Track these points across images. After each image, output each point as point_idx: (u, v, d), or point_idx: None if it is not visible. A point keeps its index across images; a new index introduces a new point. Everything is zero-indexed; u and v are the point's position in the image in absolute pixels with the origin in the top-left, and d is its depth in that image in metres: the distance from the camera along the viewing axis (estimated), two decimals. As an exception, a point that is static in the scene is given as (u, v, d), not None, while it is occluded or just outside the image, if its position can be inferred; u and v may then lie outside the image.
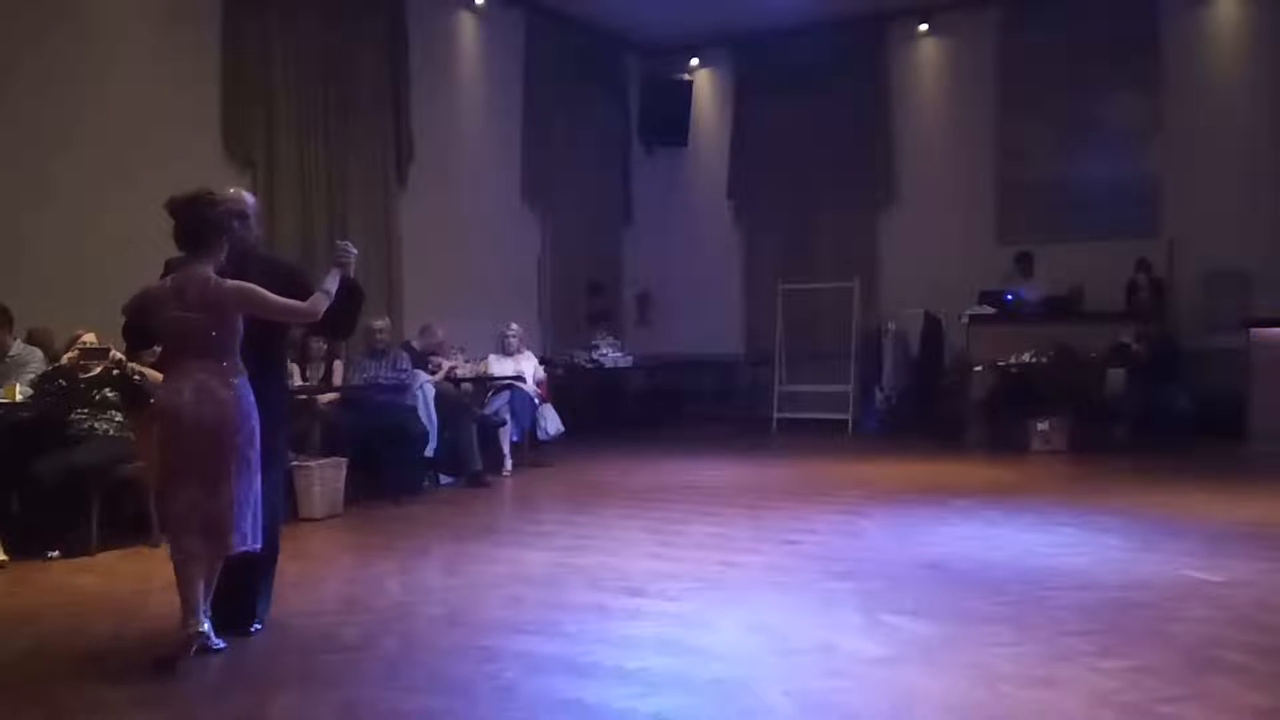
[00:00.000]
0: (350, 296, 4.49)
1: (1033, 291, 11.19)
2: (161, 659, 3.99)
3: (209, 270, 4.14)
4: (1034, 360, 10.59)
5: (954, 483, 8.42)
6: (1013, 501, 7.45)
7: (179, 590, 4.12)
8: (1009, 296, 11.20)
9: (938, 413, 11.64)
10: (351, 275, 4.48)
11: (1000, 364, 10.72)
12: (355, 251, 4.53)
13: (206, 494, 4.07)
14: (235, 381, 4.13)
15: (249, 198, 4.61)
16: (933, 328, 12.17)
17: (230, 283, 4.14)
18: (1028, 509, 7.14)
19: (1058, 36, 12.11)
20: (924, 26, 12.93)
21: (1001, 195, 12.54)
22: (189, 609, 4.08)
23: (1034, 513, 7.00)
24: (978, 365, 10.91)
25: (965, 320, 11.23)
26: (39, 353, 6.65)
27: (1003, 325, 10.98)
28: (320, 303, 4.29)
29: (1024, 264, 11.38)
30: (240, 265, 4.31)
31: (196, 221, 4.16)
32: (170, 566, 4.20)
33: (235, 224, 4.35)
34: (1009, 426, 10.45)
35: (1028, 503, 7.39)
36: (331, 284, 4.34)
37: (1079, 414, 10.24)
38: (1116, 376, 10.41)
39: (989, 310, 11.17)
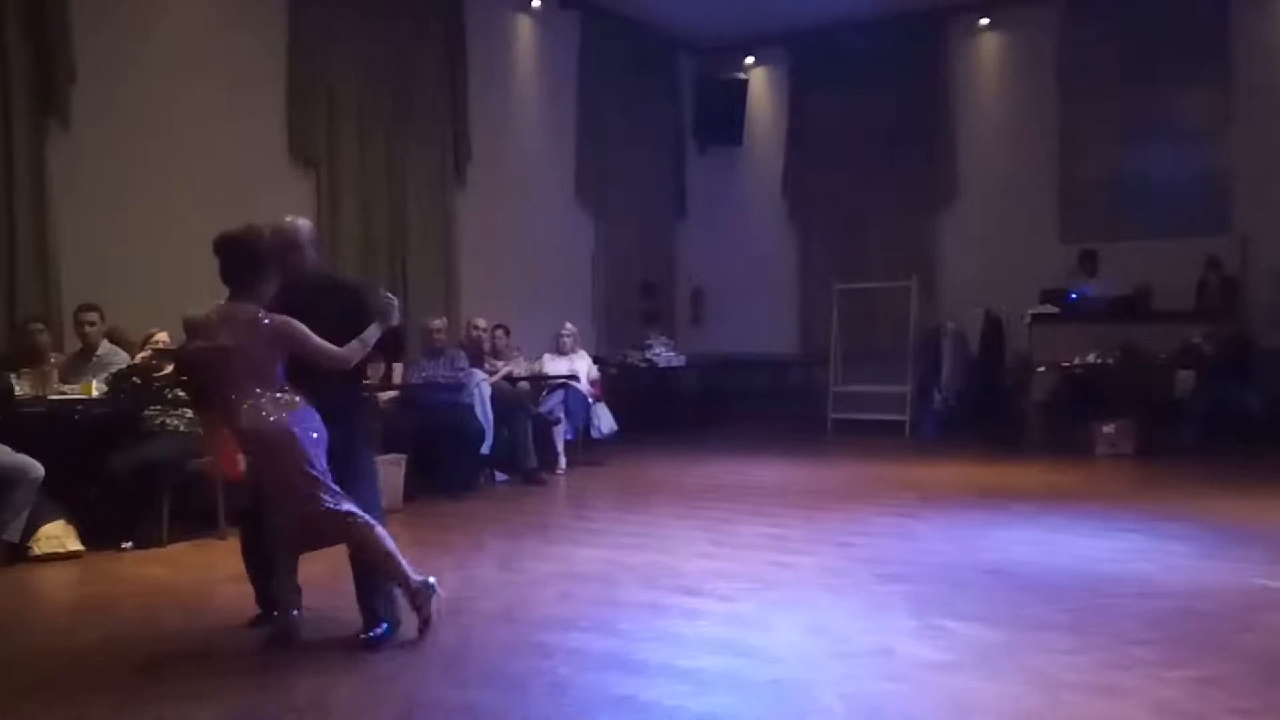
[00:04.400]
0: (393, 340, 4.63)
1: (1097, 290, 11.00)
2: (275, 635, 4.26)
3: (252, 307, 4.18)
4: (1099, 361, 10.42)
5: (1014, 486, 8.31)
6: (1075, 506, 7.33)
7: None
8: (1073, 295, 11.01)
9: (998, 415, 11.47)
10: (394, 323, 4.51)
11: (1064, 365, 10.57)
12: (396, 301, 4.51)
13: (284, 511, 4.21)
14: (285, 401, 4.14)
15: (304, 225, 4.60)
16: (993, 328, 12.00)
17: (270, 322, 4.15)
18: (1091, 514, 7.02)
19: (1122, 30, 11.88)
20: (984, 21, 12.76)
21: (1064, 192, 12.33)
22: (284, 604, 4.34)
23: (1097, 518, 6.88)
24: (1040, 366, 10.75)
25: (1027, 320, 11.05)
26: (124, 354, 6.84)
27: (1066, 325, 10.79)
28: (355, 352, 4.30)
29: (1088, 262, 11.19)
30: (301, 292, 4.34)
31: (235, 259, 4.21)
32: (239, 559, 4.36)
33: (290, 256, 4.40)
34: (1072, 429, 10.28)
35: (1091, 508, 7.27)
36: (371, 335, 4.35)
37: (1146, 416, 10.05)
38: (1185, 378, 10.21)
39: (1052, 310, 10.98)
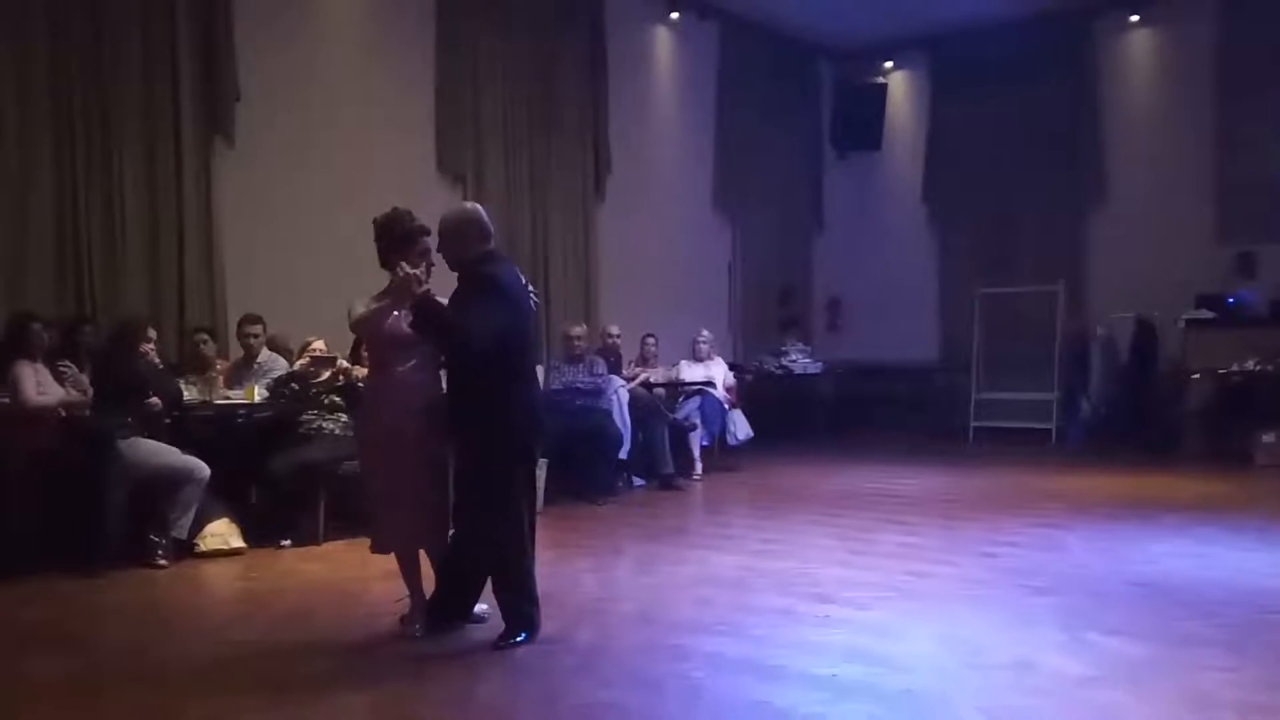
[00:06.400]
0: (427, 321, 4.29)
1: (1256, 294, 10.50)
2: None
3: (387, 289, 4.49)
4: (1258, 368, 9.95)
5: (1167, 497, 8.00)
6: (1232, 518, 7.02)
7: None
8: (1230, 300, 10.55)
9: (1150, 424, 11.03)
10: (413, 303, 4.26)
11: (1220, 372, 10.14)
12: (414, 273, 4.28)
13: None
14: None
15: (453, 211, 4.67)
16: (1145, 333, 11.53)
17: None
18: (1249, 527, 6.72)
19: (1284, 22, 11.28)
20: (1134, 17, 12.30)
21: (1221, 192, 11.74)
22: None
23: (1256, 531, 6.59)
24: (1195, 373, 10.33)
25: (1181, 325, 10.66)
26: (283, 360, 7.22)
27: (1223, 330, 10.39)
28: (359, 324, 4.55)
29: (1246, 265, 10.71)
30: (462, 277, 4.51)
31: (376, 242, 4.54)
32: (392, 556, 4.63)
33: (446, 244, 4.53)
34: (1229, 439, 9.86)
35: (1249, 520, 6.96)
36: (382, 310, 4.44)
37: (1309, 426, 9.56)
38: (1353, 386, 9.66)
39: (1208, 315, 10.57)
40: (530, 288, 4.75)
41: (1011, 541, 6.35)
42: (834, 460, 10.68)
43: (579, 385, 8.53)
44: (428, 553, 4.60)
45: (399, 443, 4.42)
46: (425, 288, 4.30)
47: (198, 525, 6.16)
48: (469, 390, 4.40)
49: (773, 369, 12.53)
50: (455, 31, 9.64)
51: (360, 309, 4.46)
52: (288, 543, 6.42)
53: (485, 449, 4.38)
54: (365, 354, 5.95)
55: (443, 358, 4.58)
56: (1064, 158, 12.64)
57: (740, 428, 9.94)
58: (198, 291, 7.90)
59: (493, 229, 4.61)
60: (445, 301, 4.43)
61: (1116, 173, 12.45)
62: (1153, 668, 3.97)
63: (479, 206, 4.76)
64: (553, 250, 10.53)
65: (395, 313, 4.41)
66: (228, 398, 6.90)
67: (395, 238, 4.47)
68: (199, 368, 7.15)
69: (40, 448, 5.85)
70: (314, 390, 6.75)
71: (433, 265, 4.55)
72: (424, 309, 4.26)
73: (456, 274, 4.52)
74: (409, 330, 4.34)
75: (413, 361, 4.47)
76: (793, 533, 6.80)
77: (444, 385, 4.64)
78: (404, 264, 4.31)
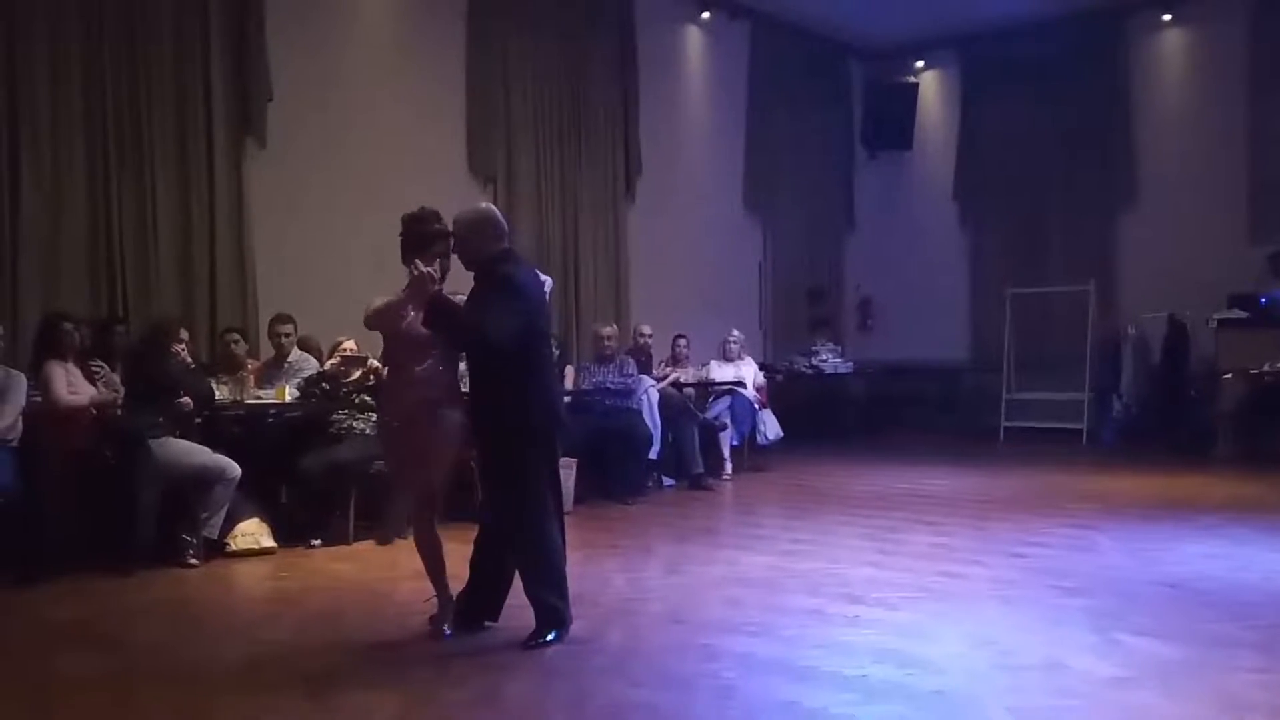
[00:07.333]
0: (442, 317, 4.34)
1: (1290, 294, 10.40)
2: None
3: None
4: (1291, 368, 9.84)
5: (1199, 498, 7.93)
6: (1264, 519, 6.95)
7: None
8: (1263, 300, 10.44)
9: (1182, 424, 10.94)
10: (427, 300, 4.31)
11: (1253, 372, 10.03)
12: (427, 271, 4.32)
13: None
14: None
15: (467, 211, 4.63)
16: (1177, 333, 11.44)
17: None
18: (1282, 528, 6.65)
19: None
20: (1167, 16, 12.18)
21: (1254, 191, 11.62)
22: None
23: (1290, 532, 6.51)
24: (1227, 373, 10.23)
25: (1213, 325, 10.57)
26: (314, 361, 7.28)
27: (1256, 330, 10.27)
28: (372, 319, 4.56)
29: (1278, 265, 10.57)
30: (479, 276, 4.54)
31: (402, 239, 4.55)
32: (418, 558, 4.61)
33: (466, 243, 4.52)
34: (1262, 439, 9.76)
35: (1283, 521, 6.89)
36: (395, 301, 4.46)
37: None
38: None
39: (1240, 314, 10.47)
40: (546, 279, 4.77)
41: (1042, 542, 6.32)
42: (864, 460, 10.65)
43: (609, 385, 8.55)
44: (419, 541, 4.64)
45: (417, 431, 4.44)
46: (438, 287, 4.35)
47: (229, 525, 6.20)
48: (488, 388, 4.44)
49: (803, 369, 12.51)
50: (486, 31, 9.69)
51: (378, 304, 4.50)
52: (318, 542, 6.45)
53: (506, 446, 4.43)
54: None
55: (461, 355, 4.63)
56: (1095, 157, 12.56)
57: (770, 427, 9.93)
58: (229, 291, 7.99)
59: (506, 228, 4.65)
60: (465, 299, 4.47)
61: (1148, 172, 12.35)
62: (1183, 669, 3.94)
63: (493, 206, 4.84)
64: (583, 251, 10.56)
65: (412, 314, 4.43)
66: (259, 397, 6.95)
67: (416, 237, 4.49)
68: (230, 368, 7.20)
69: (74, 448, 5.91)
70: (345, 390, 6.80)
71: (448, 268, 4.56)
72: (438, 307, 4.32)
73: (473, 274, 4.55)
74: (426, 330, 4.38)
75: (429, 362, 4.49)
76: (823, 533, 6.78)
77: (461, 384, 4.69)
78: (418, 262, 4.35)
